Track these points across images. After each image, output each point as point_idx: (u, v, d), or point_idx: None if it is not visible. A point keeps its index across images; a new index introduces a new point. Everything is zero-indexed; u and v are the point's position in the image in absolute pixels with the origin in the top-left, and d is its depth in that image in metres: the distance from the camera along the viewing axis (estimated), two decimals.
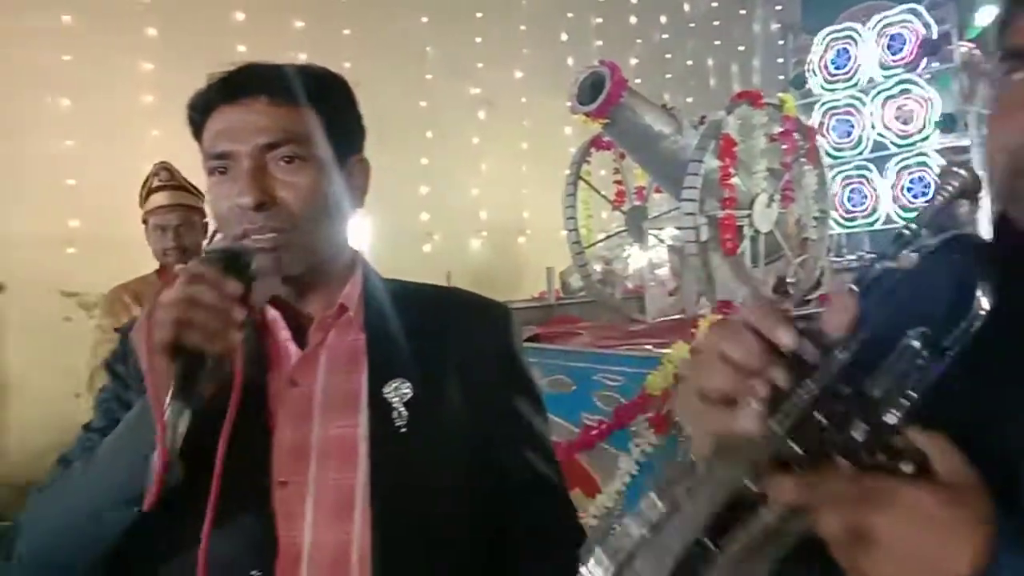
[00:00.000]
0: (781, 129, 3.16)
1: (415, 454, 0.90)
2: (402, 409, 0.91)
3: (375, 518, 0.87)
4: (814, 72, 6.16)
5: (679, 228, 3.26)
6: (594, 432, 2.41)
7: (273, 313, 0.96)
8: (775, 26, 7.83)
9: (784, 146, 3.16)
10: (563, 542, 1.04)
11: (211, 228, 2.59)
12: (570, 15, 6.54)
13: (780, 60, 7.73)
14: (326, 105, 0.94)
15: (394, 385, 0.92)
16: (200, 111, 0.94)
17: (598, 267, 3.76)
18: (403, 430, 0.90)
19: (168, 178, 2.59)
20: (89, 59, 4.24)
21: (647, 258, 3.31)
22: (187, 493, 0.79)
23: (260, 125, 0.90)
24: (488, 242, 6.12)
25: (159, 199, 2.56)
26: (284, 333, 0.95)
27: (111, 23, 4.32)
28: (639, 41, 6.96)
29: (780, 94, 3.23)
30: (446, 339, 0.98)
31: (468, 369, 0.97)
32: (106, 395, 0.97)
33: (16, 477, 0.81)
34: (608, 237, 3.79)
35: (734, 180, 2.89)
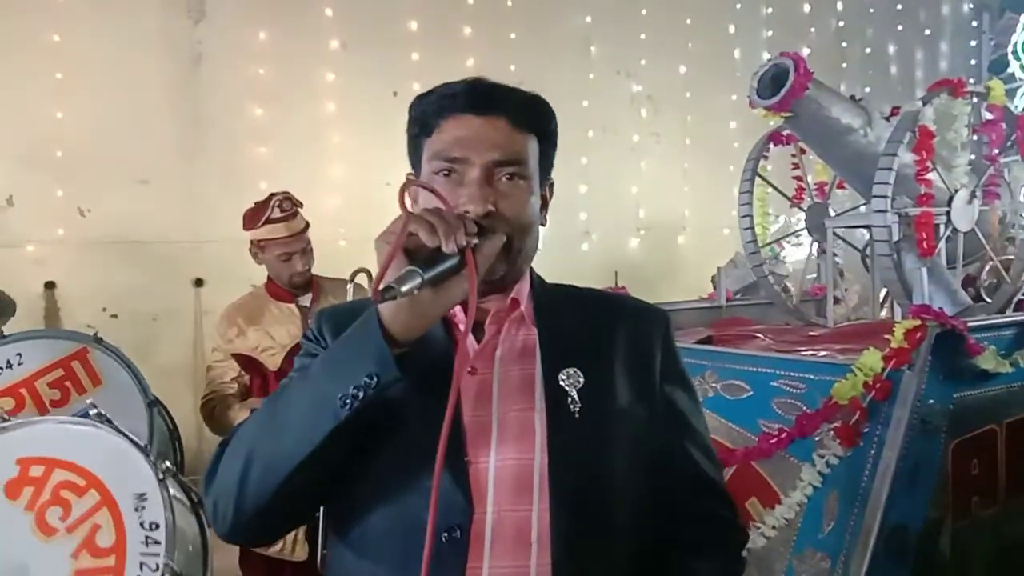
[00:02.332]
0: (986, 119, 2.88)
1: (589, 438, 0.97)
2: (575, 396, 0.98)
3: (553, 496, 0.94)
4: (1017, 55, 5.60)
5: (865, 227, 3.06)
6: (773, 440, 2.31)
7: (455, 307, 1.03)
8: (967, 6, 7.19)
9: (990, 137, 2.88)
10: (721, 537, 1.08)
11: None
12: (738, 6, 6.32)
13: (973, 43, 7.09)
14: (543, 136, 1.05)
15: (568, 373, 0.99)
16: (438, 114, 1.01)
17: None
18: (577, 415, 0.97)
19: (290, 207, 2.64)
20: (280, 71, 4.58)
21: (829, 260, 3.12)
22: (403, 467, 0.94)
23: (498, 142, 0.99)
24: (646, 241, 6.02)
25: (284, 228, 2.61)
26: (463, 326, 1.02)
27: (299, 37, 4.64)
28: (813, 30, 6.61)
29: (987, 82, 2.94)
30: (612, 336, 1.05)
31: (633, 364, 1.04)
32: (302, 354, 1.08)
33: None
34: (785, 236, 3.62)
35: (930, 175, 2.68)
